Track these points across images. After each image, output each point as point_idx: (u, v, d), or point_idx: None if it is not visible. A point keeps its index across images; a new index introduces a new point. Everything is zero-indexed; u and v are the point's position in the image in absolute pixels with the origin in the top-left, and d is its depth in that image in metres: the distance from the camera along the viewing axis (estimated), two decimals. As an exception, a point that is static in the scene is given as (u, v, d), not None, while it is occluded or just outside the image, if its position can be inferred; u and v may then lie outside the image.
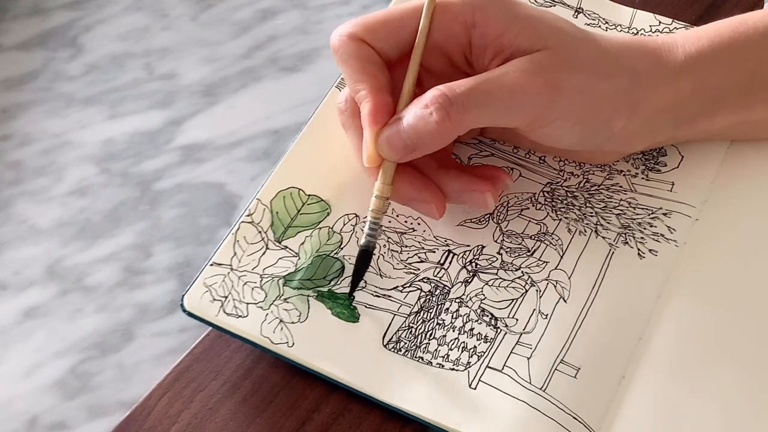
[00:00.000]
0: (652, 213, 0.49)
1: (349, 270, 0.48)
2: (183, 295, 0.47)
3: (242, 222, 0.49)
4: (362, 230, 0.46)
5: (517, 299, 0.46)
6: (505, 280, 0.47)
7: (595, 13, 0.57)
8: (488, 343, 0.45)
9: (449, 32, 0.46)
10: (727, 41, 0.47)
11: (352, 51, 0.45)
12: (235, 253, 0.48)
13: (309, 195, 0.50)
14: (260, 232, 0.49)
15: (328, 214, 0.49)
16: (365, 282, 0.47)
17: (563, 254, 0.48)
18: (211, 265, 0.48)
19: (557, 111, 0.44)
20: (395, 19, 0.46)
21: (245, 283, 0.47)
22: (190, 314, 0.47)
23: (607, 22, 0.56)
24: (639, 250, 0.48)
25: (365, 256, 0.46)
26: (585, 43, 0.46)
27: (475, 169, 0.50)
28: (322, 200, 0.50)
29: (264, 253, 0.48)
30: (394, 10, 0.46)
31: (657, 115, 0.47)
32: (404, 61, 0.46)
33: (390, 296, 0.47)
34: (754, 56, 0.48)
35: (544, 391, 0.44)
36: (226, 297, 0.47)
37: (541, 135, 0.46)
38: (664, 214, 0.49)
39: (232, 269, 0.48)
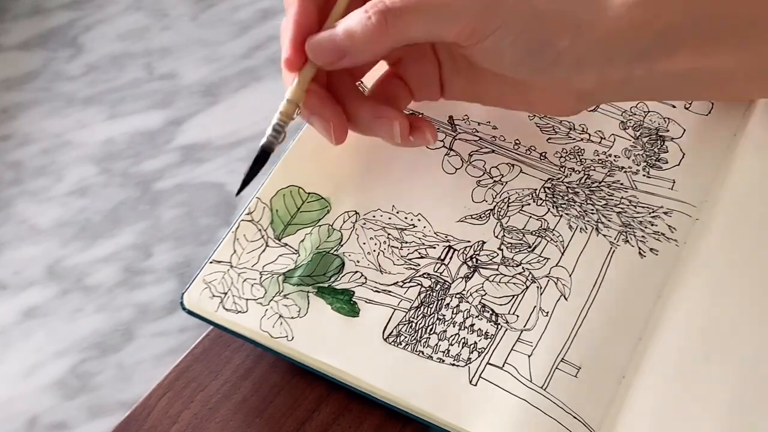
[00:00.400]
0: (653, 212, 0.49)
1: (350, 266, 0.48)
2: (183, 293, 0.47)
3: (242, 220, 0.49)
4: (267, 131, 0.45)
5: (517, 295, 0.46)
6: (505, 275, 0.47)
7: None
8: (489, 340, 0.45)
9: None
10: None
11: None
12: (234, 251, 0.48)
13: (309, 193, 0.50)
14: (260, 230, 0.49)
15: (328, 211, 0.49)
16: (365, 278, 0.47)
17: (564, 251, 0.48)
18: (211, 262, 0.48)
19: (496, 21, 0.44)
20: None
21: (245, 280, 0.47)
22: (190, 312, 0.47)
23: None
24: (640, 249, 0.48)
25: (263, 156, 0.45)
26: None
27: (396, 107, 0.49)
28: (322, 198, 0.50)
29: (264, 251, 0.48)
30: None
31: (607, 41, 0.45)
32: None
33: (390, 291, 0.47)
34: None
35: (544, 389, 0.44)
36: (225, 293, 0.47)
37: (482, 52, 0.45)
38: (665, 213, 0.49)
39: (231, 266, 0.48)
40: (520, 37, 0.44)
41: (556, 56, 0.45)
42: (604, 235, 0.48)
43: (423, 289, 0.47)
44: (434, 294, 0.47)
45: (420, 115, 0.52)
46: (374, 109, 0.47)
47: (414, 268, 0.48)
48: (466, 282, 0.47)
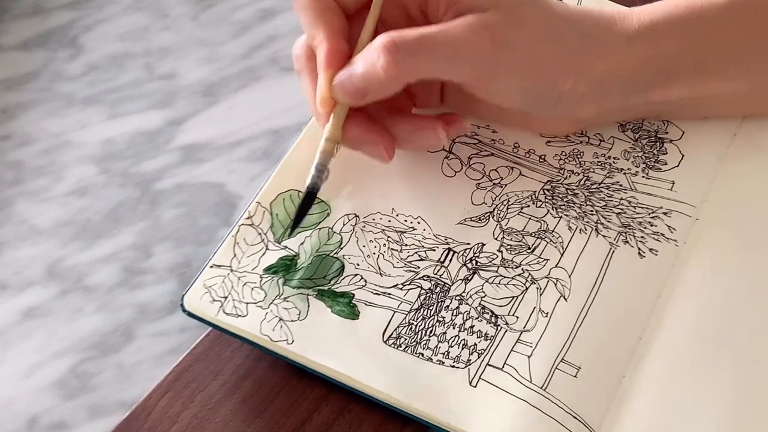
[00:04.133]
0: (653, 212, 0.49)
1: (350, 269, 0.48)
2: (183, 296, 0.47)
3: (242, 224, 0.49)
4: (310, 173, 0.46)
5: (517, 297, 0.46)
6: (505, 277, 0.47)
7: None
8: (488, 341, 0.45)
9: None
10: (682, 12, 0.48)
11: None
12: (234, 255, 0.48)
13: None
14: (260, 233, 0.49)
15: (328, 214, 0.49)
16: (365, 281, 0.47)
17: (563, 252, 0.48)
18: (211, 266, 0.48)
19: (503, 67, 0.45)
20: None
21: (245, 284, 0.47)
22: (190, 314, 0.47)
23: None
24: (639, 249, 0.48)
25: (309, 197, 0.46)
26: (537, 6, 0.47)
27: (427, 114, 0.50)
28: (322, 201, 0.50)
29: (264, 254, 0.48)
30: None
31: (607, 80, 0.47)
32: (362, 13, 0.48)
33: (390, 294, 0.47)
34: (708, 30, 0.48)
35: (544, 390, 0.44)
36: (225, 297, 0.47)
37: (488, 92, 0.46)
38: (665, 213, 0.49)
39: (231, 270, 0.48)
40: (523, 82, 0.46)
41: (559, 97, 0.47)
42: (604, 236, 0.48)
43: (423, 291, 0.47)
44: (434, 296, 0.47)
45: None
46: (412, 123, 0.48)
47: (414, 271, 0.48)
48: (465, 284, 0.47)
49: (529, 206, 0.49)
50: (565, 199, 0.50)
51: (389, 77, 0.44)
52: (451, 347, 0.45)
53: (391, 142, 0.47)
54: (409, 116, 0.49)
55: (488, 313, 0.46)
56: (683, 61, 0.48)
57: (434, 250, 0.48)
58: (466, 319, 0.46)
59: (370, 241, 0.49)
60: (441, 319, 0.46)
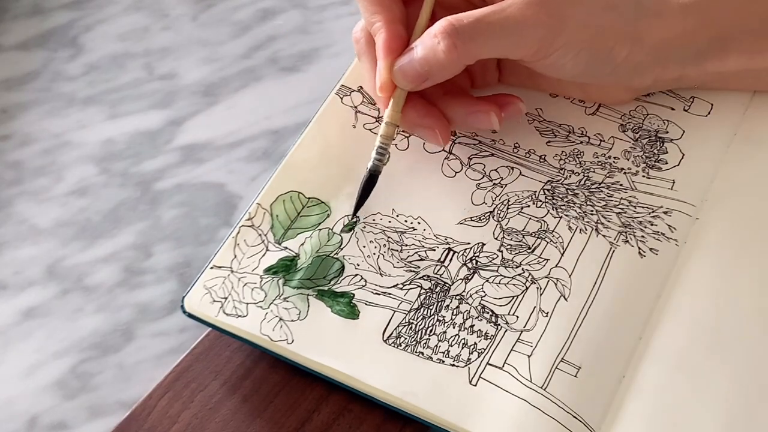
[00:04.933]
0: (653, 211, 0.49)
1: (350, 269, 0.48)
2: (183, 297, 0.47)
3: (242, 225, 0.49)
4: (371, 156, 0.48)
5: (517, 296, 0.46)
6: (505, 277, 0.47)
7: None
8: (488, 340, 0.45)
9: None
10: None
11: None
12: (235, 256, 0.48)
13: (309, 198, 0.50)
14: (260, 235, 0.49)
15: (328, 215, 0.50)
16: (365, 281, 0.47)
17: (564, 252, 0.48)
18: (211, 268, 0.48)
19: (560, 41, 0.46)
20: None
21: (245, 284, 0.47)
22: (190, 315, 0.47)
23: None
24: (640, 248, 0.48)
25: (372, 179, 0.48)
26: None
27: (482, 96, 0.50)
28: (322, 202, 0.50)
29: (264, 255, 0.48)
30: None
31: (663, 47, 0.48)
32: None
33: (390, 294, 0.47)
34: (766, 1, 0.48)
35: (544, 389, 0.44)
36: (225, 298, 0.47)
37: (544, 66, 0.47)
38: (665, 213, 0.49)
39: (232, 271, 0.48)
40: (581, 54, 0.47)
41: (615, 66, 0.47)
42: (604, 236, 0.48)
43: (423, 290, 0.47)
44: (434, 296, 0.47)
45: None
46: (467, 105, 0.49)
47: (414, 271, 0.48)
48: (465, 283, 0.47)
49: (529, 206, 0.49)
50: (566, 199, 0.50)
51: (450, 60, 0.45)
52: (451, 346, 0.45)
53: (447, 127, 0.48)
54: (465, 98, 0.50)
55: (488, 313, 0.46)
56: (739, 31, 0.48)
57: (434, 250, 0.48)
58: (466, 319, 0.46)
59: (371, 241, 0.49)
60: (441, 319, 0.46)
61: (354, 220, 0.49)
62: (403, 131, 0.52)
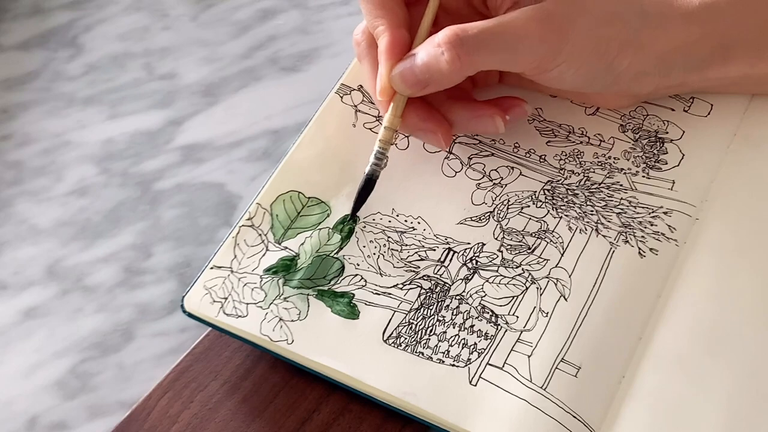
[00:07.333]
0: (653, 212, 0.49)
1: (350, 269, 0.48)
2: (183, 297, 0.47)
3: (242, 225, 0.49)
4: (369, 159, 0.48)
5: (517, 296, 0.46)
6: (505, 277, 0.47)
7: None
8: (488, 341, 0.45)
9: None
10: None
11: None
12: (235, 256, 0.48)
13: (309, 197, 0.50)
14: (260, 234, 0.49)
15: (328, 215, 0.50)
16: (365, 281, 0.47)
17: (564, 252, 0.48)
18: (211, 268, 0.48)
19: (562, 55, 0.46)
20: None
21: (245, 284, 0.47)
22: (190, 315, 0.47)
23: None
24: (640, 249, 0.48)
25: (369, 183, 0.48)
26: None
27: (486, 100, 0.50)
28: (322, 202, 0.50)
29: (264, 255, 0.48)
30: None
31: (665, 56, 0.48)
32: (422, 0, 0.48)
33: (390, 294, 0.47)
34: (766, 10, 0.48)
35: (544, 389, 0.44)
36: (226, 298, 0.47)
37: (546, 79, 0.47)
38: (665, 213, 0.49)
39: (232, 271, 0.48)
40: (582, 67, 0.47)
41: (617, 76, 0.47)
42: (604, 236, 0.48)
43: (423, 290, 0.47)
44: (434, 296, 0.47)
45: None
46: (471, 110, 0.49)
47: (414, 271, 0.48)
48: (465, 283, 0.47)
49: (529, 206, 0.49)
50: (566, 199, 0.50)
51: (453, 71, 0.45)
52: (451, 346, 0.45)
53: (449, 130, 0.48)
54: (468, 102, 0.49)
55: (488, 313, 0.46)
56: (742, 39, 0.48)
57: (434, 250, 0.48)
58: (467, 319, 0.46)
59: (371, 241, 0.49)
60: (441, 319, 0.46)
61: (351, 225, 0.49)
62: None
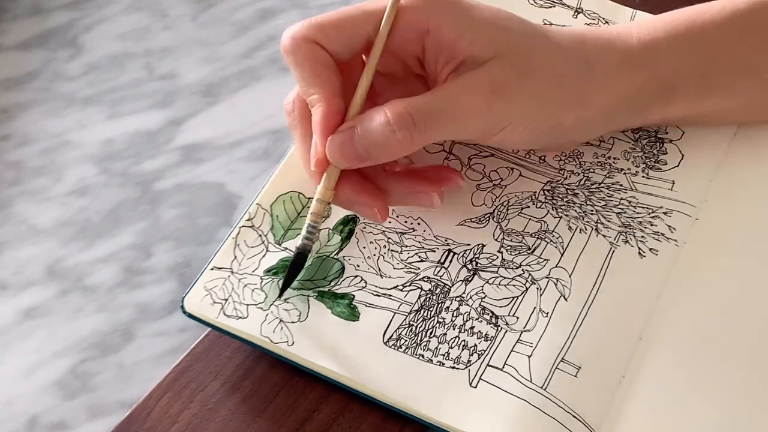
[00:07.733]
0: (653, 212, 0.49)
1: (350, 270, 0.48)
2: (183, 297, 0.47)
3: (242, 226, 0.49)
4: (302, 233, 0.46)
5: (517, 297, 0.46)
6: (505, 278, 0.47)
7: (594, 13, 0.57)
8: (489, 342, 0.45)
9: (403, 38, 0.45)
10: (683, 32, 0.48)
11: (306, 54, 0.45)
12: (235, 257, 0.48)
13: (309, 198, 0.50)
14: (260, 235, 0.49)
15: (328, 216, 0.49)
16: (365, 282, 0.47)
17: (564, 252, 0.48)
18: (212, 269, 0.48)
19: (508, 119, 0.45)
20: (349, 20, 0.45)
21: (245, 285, 0.47)
22: (190, 315, 0.47)
23: (607, 22, 0.56)
24: (639, 249, 0.48)
25: (299, 259, 0.46)
26: (537, 45, 0.46)
27: (421, 170, 0.49)
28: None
29: (264, 256, 0.48)
30: (347, 11, 0.46)
31: (610, 107, 0.48)
32: (355, 61, 0.47)
33: (390, 295, 0.47)
34: (708, 48, 0.48)
35: (544, 389, 0.44)
36: (226, 299, 0.47)
37: (493, 141, 0.47)
38: (665, 213, 0.49)
39: (232, 272, 0.48)
40: (528, 129, 0.46)
41: (563, 131, 0.47)
42: (604, 236, 0.48)
43: (423, 292, 0.47)
44: (434, 297, 0.47)
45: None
46: (407, 185, 0.47)
47: (414, 272, 0.48)
48: (465, 285, 0.47)
49: (529, 207, 0.49)
50: (565, 199, 0.50)
51: (402, 150, 0.44)
52: (452, 348, 0.45)
53: (385, 204, 0.46)
54: (405, 176, 0.48)
55: (488, 314, 0.46)
56: (684, 80, 0.48)
57: (434, 251, 0.48)
58: (467, 320, 0.46)
59: (371, 242, 0.49)
60: (441, 320, 0.46)
61: (351, 226, 0.49)
62: None
